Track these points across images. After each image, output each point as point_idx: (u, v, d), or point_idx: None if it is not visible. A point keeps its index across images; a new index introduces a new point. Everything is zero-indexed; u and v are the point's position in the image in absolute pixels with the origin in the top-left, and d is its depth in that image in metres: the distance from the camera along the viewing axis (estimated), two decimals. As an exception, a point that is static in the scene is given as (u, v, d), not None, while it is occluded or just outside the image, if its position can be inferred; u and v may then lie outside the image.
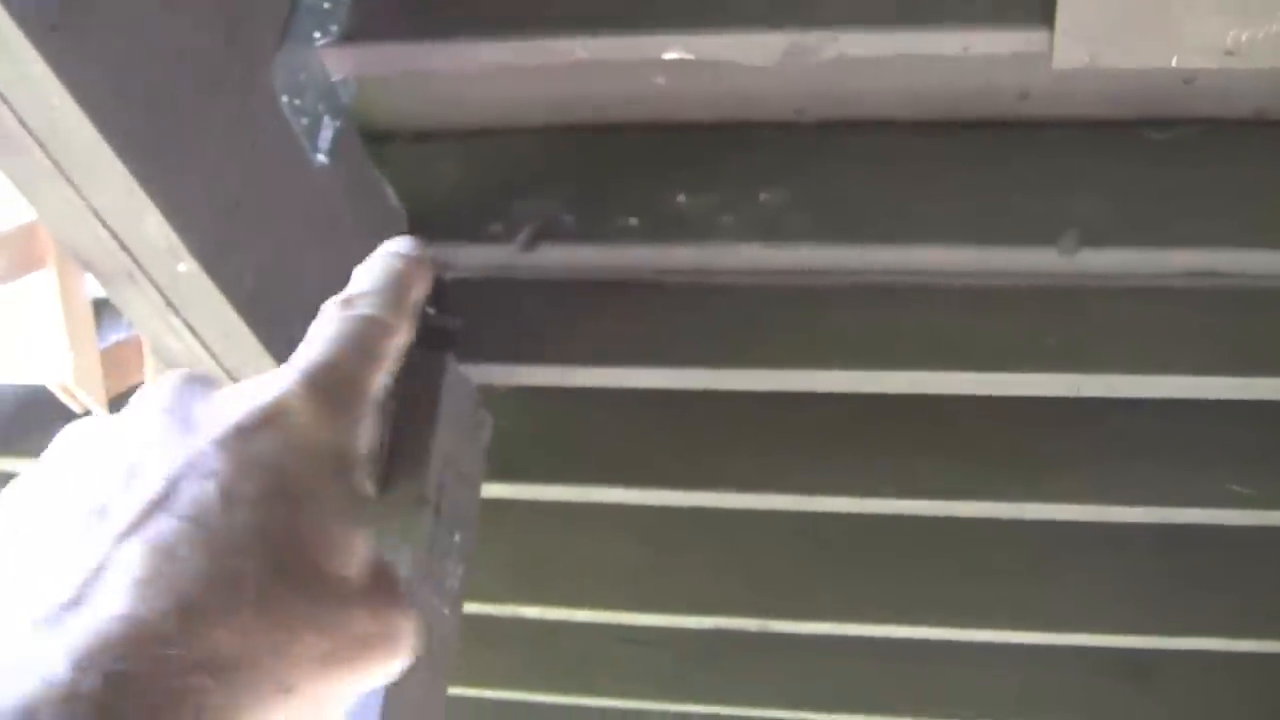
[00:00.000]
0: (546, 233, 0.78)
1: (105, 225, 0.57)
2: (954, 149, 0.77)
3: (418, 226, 0.79)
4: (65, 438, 0.35)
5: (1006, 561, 0.97)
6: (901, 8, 0.62)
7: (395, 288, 0.41)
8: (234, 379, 0.65)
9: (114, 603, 0.29)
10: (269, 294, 0.63)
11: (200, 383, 0.36)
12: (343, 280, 0.41)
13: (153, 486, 0.31)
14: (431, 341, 0.64)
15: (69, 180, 0.54)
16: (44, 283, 0.67)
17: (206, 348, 0.63)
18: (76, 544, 0.30)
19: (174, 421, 0.34)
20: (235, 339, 0.63)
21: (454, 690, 0.77)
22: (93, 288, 0.66)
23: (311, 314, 0.39)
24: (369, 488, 0.37)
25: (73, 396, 0.77)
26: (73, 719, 0.26)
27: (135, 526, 0.30)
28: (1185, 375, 0.72)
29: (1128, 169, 0.75)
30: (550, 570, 1.05)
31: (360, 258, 0.42)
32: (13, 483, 0.34)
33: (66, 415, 0.76)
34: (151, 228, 0.56)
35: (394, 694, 0.66)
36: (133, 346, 0.76)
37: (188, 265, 0.58)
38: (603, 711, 1.15)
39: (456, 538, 0.71)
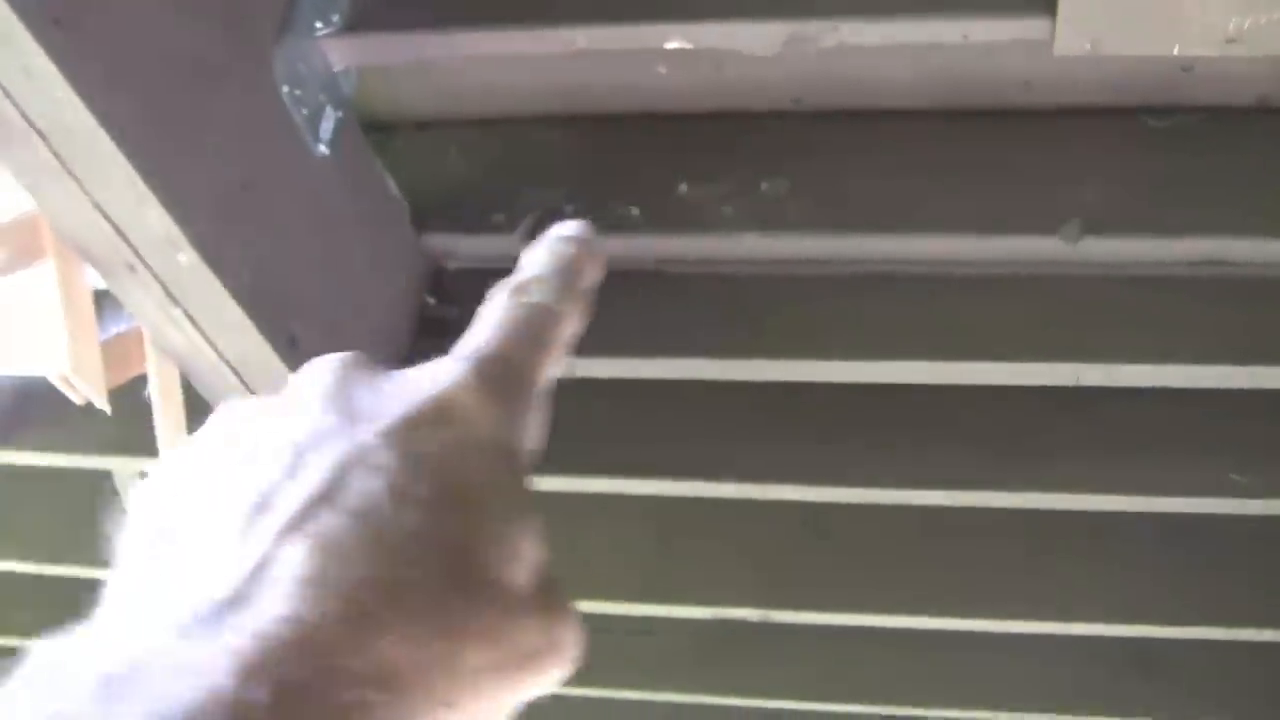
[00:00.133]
0: (548, 223, 0.77)
1: (106, 217, 0.57)
2: (955, 137, 0.77)
3: (419, 217, 0.79)
4: (220, 418, 0.33)
5: (1009, 551, 0.97)
6: (902, -5, 0.62)
7: (566, 274, 0.39)
8: (236, 371, 0.65)
9: (277, 603, 0.26)
10: (270, 285, 0.63)
11: (362, 369, 0.34)
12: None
13: (318, 479, 0.29)
14: (432, 331, 0.64)
15: (70, 173, 0.54)
16: (44, 274, 0.67)
17: (207, 339, 0.63)
18: (235, 537, 0.28)
19: (337, 410, 0.31)
20: (236, 330, 0.63)
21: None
22: (93, 279, 0.66)
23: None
24: (533, 486, 0.34)
25: (73, 388, 0.77)
26: None
27: (300, 521, 0.28)
28: (1188, 364, 0.72)
29: (1131, 157, 0.75)
30: (553, 561, 1.04)
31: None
32: (163, 462, 0.32)
33: (66, 407, 0.76)
34: (152, 219, 0.56)
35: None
36: (133, 338, 0.76)
37: (188, 256, 0.58)
38: (608, 702, 1.15)
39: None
